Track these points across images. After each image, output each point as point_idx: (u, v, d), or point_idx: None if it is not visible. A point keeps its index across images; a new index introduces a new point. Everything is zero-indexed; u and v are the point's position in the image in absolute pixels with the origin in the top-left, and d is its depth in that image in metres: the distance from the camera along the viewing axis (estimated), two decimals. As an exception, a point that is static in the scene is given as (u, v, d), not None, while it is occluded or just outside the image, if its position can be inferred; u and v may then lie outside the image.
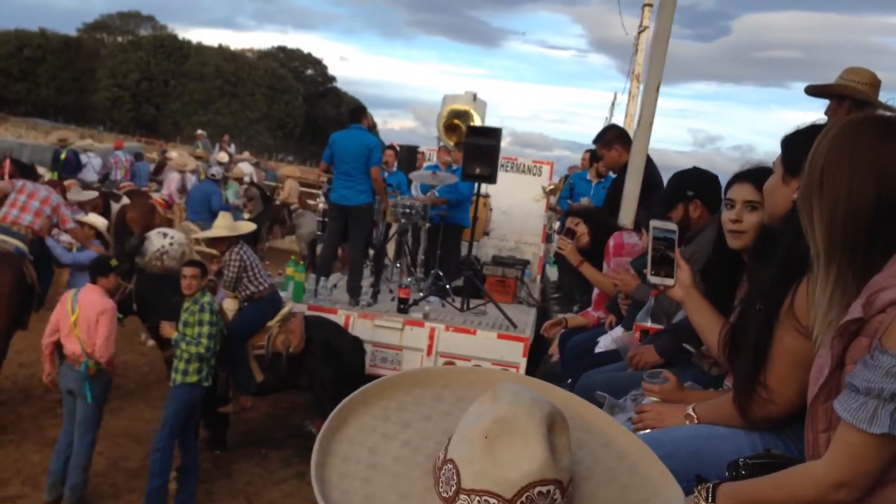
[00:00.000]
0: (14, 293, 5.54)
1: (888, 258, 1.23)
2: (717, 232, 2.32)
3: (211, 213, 8.76)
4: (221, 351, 5.05)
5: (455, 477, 0.87)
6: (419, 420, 1.04)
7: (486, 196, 8.25)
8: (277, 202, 12.94)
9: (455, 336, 6.06)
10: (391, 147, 9.42)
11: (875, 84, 3.31)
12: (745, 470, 1.41)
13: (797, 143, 1.79)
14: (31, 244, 5.93)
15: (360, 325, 6.13)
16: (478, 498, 0.86)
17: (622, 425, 1.15)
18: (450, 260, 7.47)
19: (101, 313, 4.68)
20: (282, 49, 58.35)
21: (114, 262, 4.99)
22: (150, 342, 7.64)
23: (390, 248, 7.89)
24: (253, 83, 49.71)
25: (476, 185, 6.67)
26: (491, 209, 8.86)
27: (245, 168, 14.40)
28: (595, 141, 5.82)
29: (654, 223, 2.07)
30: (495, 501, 0.85)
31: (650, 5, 15.26)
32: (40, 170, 9.76)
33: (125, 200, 9.81)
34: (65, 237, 6.60)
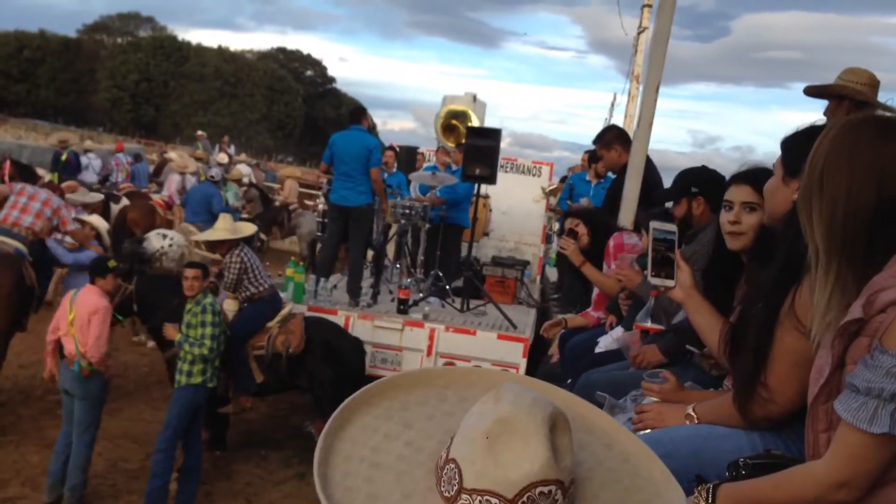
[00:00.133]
0: (13, 294, 5.54)
1: (888, 258, 1.23)
2: (716, 233, 2.32)
3: (210, 215, 8.76)
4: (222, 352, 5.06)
5: (457, 477, 0.88)
6: (422, 420, 1.04)
7: (486, 197, 8.25)
8: (277, 203, 12.94)
9: (455, 337, 6.06)
10: (391, 148, 9.42)
11: (874, 84, 3.31)
12: (746, 470, 1.41)
13: (796, 145, 1.79)
14: (31, 246, 5.93)
15: (359, 326, 6.13)
16: (479, 497, 0.86)
17: (623, 426, 1.15)
18: (450, 261, 7.48)
19: (93, 313, 4.68)
20: (281, 50, 58.35)
21: (112, 264, 4.99)
22: (151, 343, 7.66)
23: (390, 248, 7.89)
24: (252, 84, 49.69)
25: (476, 185, 6.67)
26: (491, 210, 8.86)
27: (243, 169, 14.40)
28: (595, 141, 5.82)
29: (654, 224, 2.07)
30: (497, 501, 0.85)
31: (649, 6, 15.28)
32: (40, 171, 9.78)
33: (125, 202, 9.81)
34: (68, 240, 6.60)
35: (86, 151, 12.95)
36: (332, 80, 60.57)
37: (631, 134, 5.78)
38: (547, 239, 9.63)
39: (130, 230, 9.22)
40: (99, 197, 8.96)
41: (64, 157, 11.94)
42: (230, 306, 5.57)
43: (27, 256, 5.81)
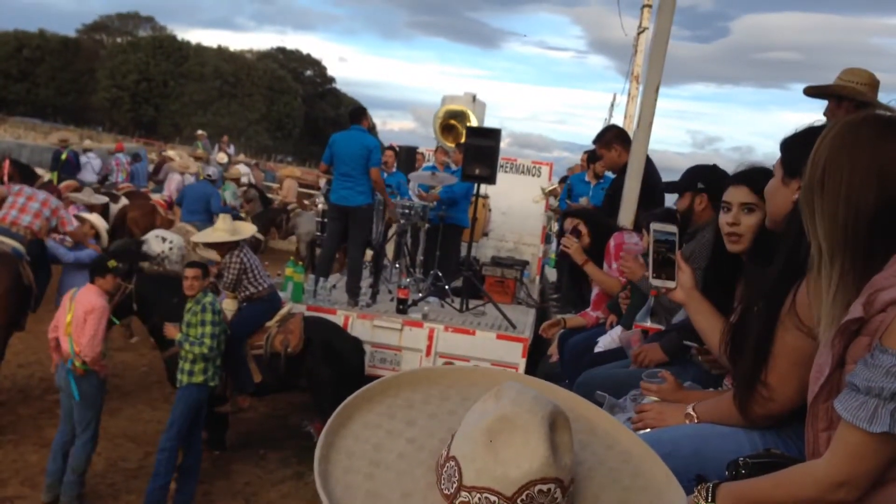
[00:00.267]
0: (10, 294, 5.53)
1: (889, 257, 1.23)
2: (715, 233, 2.32)
3: (208, 214, 8.74)
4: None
5: (457, 474, 0.88)
6: (424, 418, 1.04)
7: (486, 197, 8.25)
8: (276, 203, 12.94)
9: (454, 336, 6.06)
10: (391, 148, 9.41)
11: (874, 85, 3.31)
12: (746, 469, 1.41)
13: (796, 145, 1.79)
14: (29, 245, 5.92)
15: (359, 326, 6.13)
16: (479, 495, 0.86)
17: (624, 426, 1.15)
18: (449, 260, 7.48)
19: (89, 312, 4.68)
20: (281, 50, 58.37)
21: (112, 264, 4.98)
22: (134, 339, 7.68)
23: (389, 248, 7.89)
24: (252, 84, 49.70)
25: (475, 185, 6.67)
26: (490, 210, 8.86)
27: (242, 169, 14.40)
28: (594, 141, 5.82)
29: (654, 225, 2.07)
30: (496, 499, 0.85)
31: (649, 6, 15.29)
32: (39, 171, 9.76)
33: (124, 201, 9.81)
34: (68, 240, 6.59)
35: (85, 151, 12.95)
36: (332, 80, 60.67)
37: (631, 134, 5.79)
38: (546, 239, 9.63)
39: (130, 229, 9.23)
40: (104, 199, 8.96)
41: (64, 157, 11.94)
42: (229, 306, 5.57)
43: (25, 256, 5.81)
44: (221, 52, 52.47)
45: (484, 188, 7.07)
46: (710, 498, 1.38)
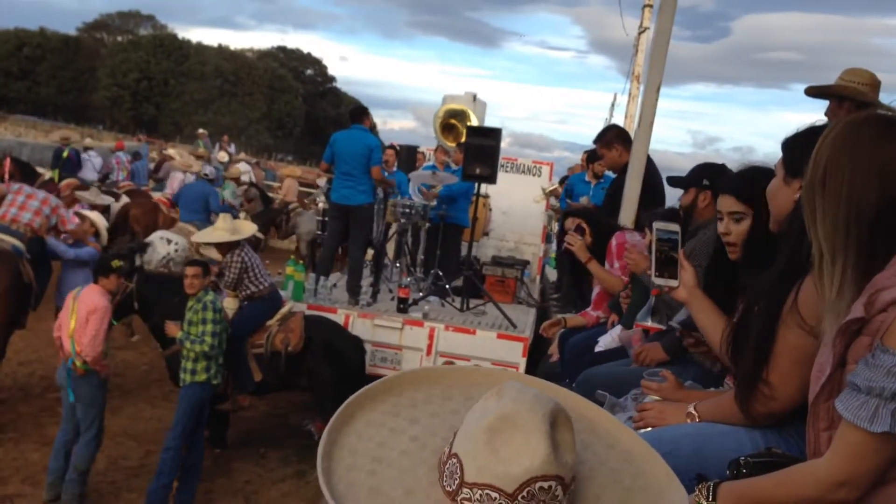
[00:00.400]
0: (10, 292, 5.53)
1: (890, 257, 1.23)
2: (717, 233, 2.32)
3: (207, 214, 8.73)
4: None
5: (458, 471, 0.88)
6: (427, 416, 1.05)
7: (486, 196, 8.25)
8: (276, 202, 12.93)
9: (454, 336, 6.06)
10: (391, 147, 9.42)
11: (875, 85, 3.31)
12: (747, 468, 1.41)
13: (798, 145, 1.79)
14: (30, 243, 5.93)
15: (359, 325, 6.13)
16: (480, 492, 0.86)
17: (626, 426, 1.15)
18: (449, 260, 7.48)
19: (91, 312, 4.68)
20: (282, 49, 58.40)
21: (116, 264, 4.98)
22: (135, 337, 7.68)
23: (390, 247, 7.89)
24: (252, 83, 49.72)
25: (475, 185, 6.67)
26: (491, 209, 8.86)
27: (242, 167, 14.39)
28: (595, 140, 5.82)
29: (657, 224, 2.07)
30: (497, 495, 0.86)
31: (650, 6, 15.28)
32: (39, 169, 9.77)
33: (125, 199, 9.80)
34: (69, 239, 6.59)
35: (86, 149, 12.95)
36: (333, 79, 60.69)
37: (632, 134, 5.79)
38: (547, 239, 9.63)
39: (132, 227, 9.21)
40: (110, 200, 8.96)
41: (65, 154, 11.94)
42: (230, 304, 5.57)
43: (25, 254, 5.81)
44: (222, 50, 52.50)
45: (485, 188, 7.07)
46: (711, 497, 1.38)
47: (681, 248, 2.03)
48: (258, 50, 57.25)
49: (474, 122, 8.53)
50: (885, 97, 3.29)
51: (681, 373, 2.22)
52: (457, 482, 0.88)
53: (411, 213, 6.90)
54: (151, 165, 14.61)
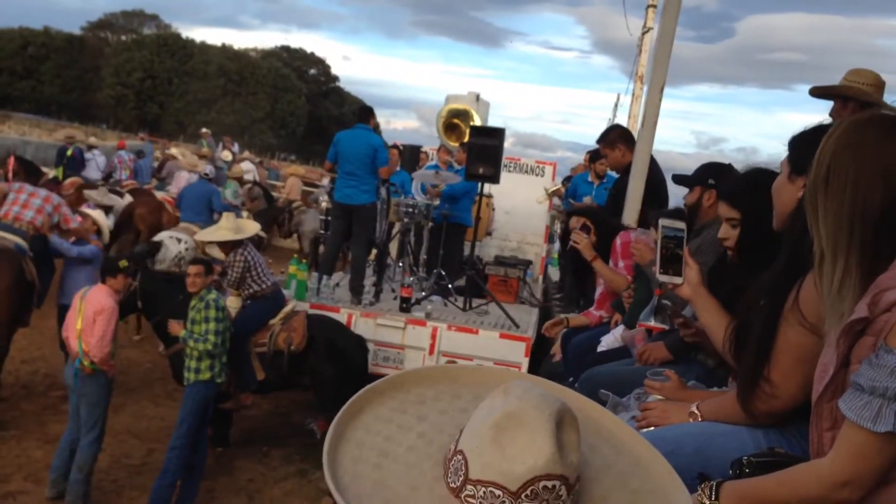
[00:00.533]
0: (13, 290, 5.55)
1: (894, 257, 1.23)
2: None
3: (210, 214, 8.72)
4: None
5: (463, 468, 0.89)
6: (435, 414, 1.05)
7: (489, 196, 8.25)
8: (279, 202, 12.95)
9: (457, 335, 6.06)
10: (394, 146, 9.42)
11: (879, 85, 3.30)
12: (749, 468, 1.41)
13: (804, 143, 1.79)
14: (32, 241, 5.94)
15: (362, 324, 6.13)
16: (484, 489, 0.87)
17: (632, 428, 1.15)
18: (452, 259, 7.48)
19: (98, 312, 4.69)
20: (285, 48, 58.45)
21: (123, 264, 5.00)
22: (136, 337, 7.68)
23: (393, 247, 7.89)
24: (256, 82, 49.78)
25: (478, 184, 6.67)
26: (494, 209, 8.86)
27: (245, 166, 14.40)
28: (598, 140, 5.81)
29: (663, 221, 2.07)
30: (500, 493, 0.86)
31: (654, 6, 15.26)
32: (43, 168, 9.78)
33: (128, 198, 9.81)
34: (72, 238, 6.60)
35: (90, 148, 12.97)
36: (336, 78, 60.73)
37: (635, 134, 5.78)
38: (549, 239, 9.63)
39: (137, 226, 9.21)
40: (117, 199, 8.96)
41: (69, 153, 11.96)
42: (233, 303, 5.58)
43: (28, 252, 5.82)
44: (226, 50, 52.58)
45: (488, 187, 7.07)
46: (713, 496, 1.38)
47: (686, 245, 2.04)
48: (262, 49, 57.37)
49: (477, 121, 8.53)
50: (889, 97, 3.28)
51: (684, 372, 2.22)
52: (461, 479, 0.88)
53: (414, 212, 6.91)
54: (155, 164, 14.63)
